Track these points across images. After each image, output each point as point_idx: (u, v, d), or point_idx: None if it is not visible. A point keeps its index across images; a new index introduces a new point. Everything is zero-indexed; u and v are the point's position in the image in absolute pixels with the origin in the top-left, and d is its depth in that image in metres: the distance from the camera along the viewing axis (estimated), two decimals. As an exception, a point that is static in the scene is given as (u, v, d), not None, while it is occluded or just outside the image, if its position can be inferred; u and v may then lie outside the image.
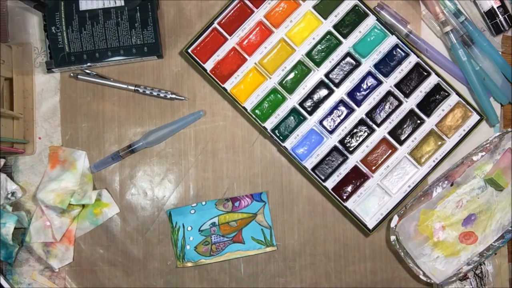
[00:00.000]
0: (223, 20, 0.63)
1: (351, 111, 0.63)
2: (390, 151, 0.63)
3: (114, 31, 0.62)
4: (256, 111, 0.63)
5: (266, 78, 0.63)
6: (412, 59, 0.63)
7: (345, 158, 0.63)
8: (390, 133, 0.63)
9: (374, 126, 0.63)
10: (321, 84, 0.63)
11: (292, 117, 0.63)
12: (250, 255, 0.63)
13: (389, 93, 0.63)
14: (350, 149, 0.63)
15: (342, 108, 0.63)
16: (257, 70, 0.63)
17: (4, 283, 0.62)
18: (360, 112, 0.63)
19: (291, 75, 0.63)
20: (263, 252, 0.63)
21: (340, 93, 0.63)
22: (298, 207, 0.65)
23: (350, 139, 0.63)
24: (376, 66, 0.64)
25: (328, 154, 0.63)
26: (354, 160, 0.63)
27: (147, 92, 0.64)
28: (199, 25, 0.65)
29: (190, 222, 0.63)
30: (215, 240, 0.62)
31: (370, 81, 0.64)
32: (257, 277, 0.64)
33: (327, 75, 0.63)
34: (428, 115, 0.63)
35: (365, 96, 0.63)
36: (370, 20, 0.63)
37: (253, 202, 0.63)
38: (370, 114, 0.63)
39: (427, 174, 0.63)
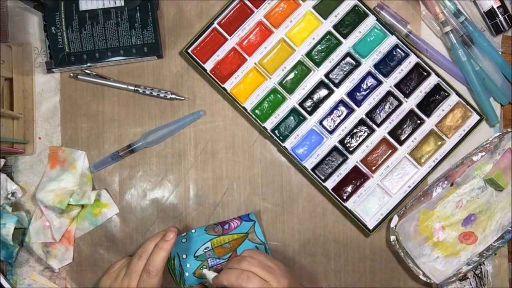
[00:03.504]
0: (223, 20, 0.63)
1: (351, 111, 0.63)
2: (390, 151, 0.63)
3: (114, 31, 0.62)
4: (256, 111, 0.63)
5: (266, 78, 0.63)
6: (412, 59, 0.63)
7: (345, 158, 0.63)
8: (390, 133, 0.63)
9: (374, 126, 0.63)
10: (321, 84, 0.63)
11: (292, 117, 0.63)
12: None
13: (389, 93, 0.63)
14: (350, 149, 0.63)
15: (342, 108, 0.63)
16: (257, 70, 0.63)
17: (4, 283, 0.62)
18: (360, 112, 0.63)
19: (291, 75, 0.63)
20: None
21: (340, 93, 0.63)
22: (298, 207, 0.65)
23: (350, 139, 0.63)
24: (376, 66, 0.63)
25: (328, 154, 0.63)
26: (354, 160, 0.63)
27: (147, 92, 0.64)
28: (199, 25, 0.65)
29: (184, 250, 0.62)
30: (212, 263, 0.62)
31: (370, 81, 0.64)
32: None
33: (327, 75, 0.63)
34: (428, 115, 0.63)
35: (365, 96, 0.63)
36: (370, 20, 0.63)
37: (242, 222, 0.63)
38: (370, 114, 0.63)
39: (427, 174, 0.63)
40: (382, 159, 0.63)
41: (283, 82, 0.63)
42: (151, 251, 0.55)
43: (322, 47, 0.63)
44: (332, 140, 0.63)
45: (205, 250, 0.62)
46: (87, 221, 0.64)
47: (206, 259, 0.61)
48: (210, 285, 0.61)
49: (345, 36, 0.63)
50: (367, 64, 0.63)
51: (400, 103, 0.63)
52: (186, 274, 0.61)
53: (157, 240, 0.56)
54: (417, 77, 0.64)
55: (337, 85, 0.63)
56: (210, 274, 0.57)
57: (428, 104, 0.63)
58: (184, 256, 0.61)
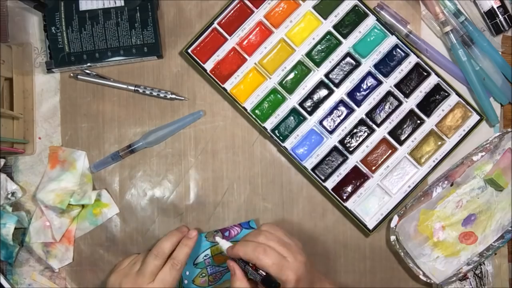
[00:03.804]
0: (223, 20, 0.63)
1: (351, 111, 0.63)
2: (390, 151, 0.63)
3: (114, 31, 0.62)
4: (256, 111, 0.63)
5: (266, 78, 0.63)
6: (412, 59, 0.63)
7: (345, 158, 0.63)
8: (390, 133, 0.63)
9: (374, 126, 0.63)
10: (321, 84, 0.63)
11: (292, 117, 0.63)
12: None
13: (389, 93, 0.63)
14: (350, 149, 0.63)
15: (342, 108, 0.63)
16: (257, 70, 0.63)
17: (4, 283, 0.62)
18: (360, 112, 0.63)
19: (291, 75, 0.63)
20: None
21: (340, 93, 0.63)
22: (298, 207, 0.65)
23: (350, 139, 0.63)
24: (376, 66, 0.63)
25: (328, 154, 0.63)
26: (354, 160, 0.63)
27: (147, 92, 0.64)
28: (199, 25, 0.65)
29: None
30: (211, 271, 0.61)
31: (370, 81, 0.64)
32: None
33: (327, 75, 0.63)
34: (428, 115, 0.63)
35: (365, 96, 0.63)
36: (370, 20, 0.63)
37: (243, 230, 0.62)
38: (370, 114, 0.63)
39: (427, 174, 0.63)
40: (382, 159, 0.63)
41: (283, 82, 0.63)
42: (167, 250, 0.56)
43: (322, 47, 0.63)
44: (332, 140, 0.63)
45: (204, 258, 0.61)
46: (87, 221, 0.64)
47: (205, 266, 0.61)
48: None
49: (345, 36, 0.63)
50: (367, 64, 0.63)
51: (400, 103, 0.63)
52: (185, 281, 0.61)
53: (172, 239, 0.57)
54: (417, 77, 0.64)
55: (337, 85, 0.63)
56: (224, 244, 0.56)
57: (428, 104, 0.63)
58: None
